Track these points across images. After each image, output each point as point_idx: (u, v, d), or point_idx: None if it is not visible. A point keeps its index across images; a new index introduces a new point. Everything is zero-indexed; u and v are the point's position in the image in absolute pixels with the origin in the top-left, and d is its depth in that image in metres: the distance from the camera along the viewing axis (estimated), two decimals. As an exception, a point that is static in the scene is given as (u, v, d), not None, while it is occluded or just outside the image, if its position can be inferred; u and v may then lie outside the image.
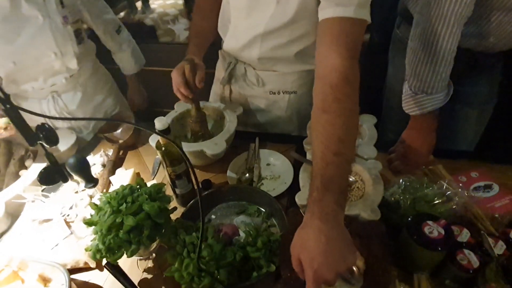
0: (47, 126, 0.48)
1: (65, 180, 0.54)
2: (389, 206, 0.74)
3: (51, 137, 0.48)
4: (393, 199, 0.73)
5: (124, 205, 0.65)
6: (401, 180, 0.77)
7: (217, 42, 1.14)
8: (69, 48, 1.11)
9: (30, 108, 1.18)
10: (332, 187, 0.58)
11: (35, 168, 1.02)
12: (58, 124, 1.24)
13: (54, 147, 1.05)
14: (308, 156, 0.88)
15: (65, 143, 1.13)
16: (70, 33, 1.11)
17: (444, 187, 0.71)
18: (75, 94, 1.24)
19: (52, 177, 0.53)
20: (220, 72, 1.22)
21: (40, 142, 0.47)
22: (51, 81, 1.16)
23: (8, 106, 0.41)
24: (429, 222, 0.65)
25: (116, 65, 1.44)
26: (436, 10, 0.76)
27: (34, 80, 1.14)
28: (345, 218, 0.69)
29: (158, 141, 0.81)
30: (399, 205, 0.72)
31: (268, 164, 1.01)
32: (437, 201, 0.69)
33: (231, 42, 1.05)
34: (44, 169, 0.52)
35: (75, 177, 0.74)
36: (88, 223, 0.67)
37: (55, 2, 1.05)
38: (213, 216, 0.88)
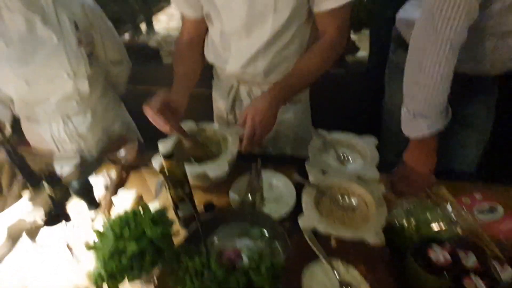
0: (50, 168, 0.50)
1: (68, 219, 0.55)
2: (392, 230, 0.73)
3: (54, 179, 0.49)
4: (396, 222, 0.73)
5: (127, 230, 0.65)
6: (404, 203, 0.77)
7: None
8: (81, 69, 1.14)
9: (41, 130, 1.20)
10: (287, 90, 0.95)
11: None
12: (67, 146, 1.26)
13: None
14: (311, 178, 0.88)
15: (68, 164, 1.13)
16: (83, 54, 1.14)
17: (449, 210, 0.70)
18: (85, 117, 1.25)
19: (56, 218, 0.54)
20: (219, 102, 1.24)
21: (44, 182, 0.48)
22: (62, 103, 1.18)
23: (11, 151, 0.43)
24: (435, 247, 0.64)
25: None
26: (431, 35, 0.78)
27: (46, 102, 1.16)
28: (349, 242, 0.69)
29: (162, 164, 0.81)
30: (403, 228, 0.72)
31: (270, 185, 1.01)
32: (441, 225, 0.68)
33: (234, 63, 1.07)
34: (49, 212, 0.53)
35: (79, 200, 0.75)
36: (90, 248, 0.66)
37: (69, 25, 1.09)
38: (215, 238, 0.87)
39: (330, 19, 0.95)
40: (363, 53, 2.40)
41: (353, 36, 2.46)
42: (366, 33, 2.48)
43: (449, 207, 0.71)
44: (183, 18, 1.11)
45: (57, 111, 1.19)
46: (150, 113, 0.90)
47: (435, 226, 0.69)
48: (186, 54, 1.10)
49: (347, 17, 0.97)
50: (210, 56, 1.14)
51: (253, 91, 1.12)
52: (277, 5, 0.91)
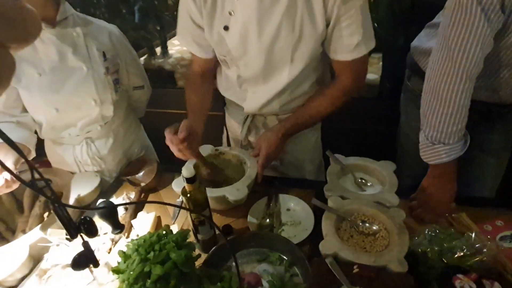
0: (88, 218, 0.52)
1: (96, 265, 0.57)
2: (415, 257, 0.73)
3: (92, 229, 0.52)
4: (419, 250, 0.72)
5: (152, 253, 0.66)
6: (426, 230, 0.76)
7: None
8: (108, 96, 1.19)
9: (64, 152, 1.24)
10: (295, 129, 1.04)
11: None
12: (89, 167, 1.29)
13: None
14: (330, 203, 0.89)
15: (89, 186, 1.16)
16: (110, 82, 1.19)
17: (473, 238, 0.70)
18: (107, 140, 1.29)
19: (84, 262, 0.56)
20: (233, 128, 1.26)
21: (81, 234, 0.51)
22: (86, 128, 1.22)
23: (57, 205, 0.45)
24: (460, 276, 0.63)
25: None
26: (448, 66, 0.80)
27: (73, 127, 1.20)
28: (372, 269, 0.69)
29: (184, 187, 0.83)
30: (426, 256, 0.71)
31: (288, 210, 1.02)
32: (465, 253, 0.67)
33: (250, 105, 1.09)
34: (78, 255, 0.55)
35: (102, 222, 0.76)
36: (115, 271, 0.67)
37: (98, 55, 1.15)
38: (233, 264, 0.87)
39: (345, 67, 0.96)
40: (374, 76, 2.44)
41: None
42: (376, 56, 2.53)
43: (472, 235, 0.71)
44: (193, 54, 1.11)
45: (81, 135, 1.24)
46: (175, 141, 0.90)
47: (459, 254, 0.68)
48: (199, 85, 1.12)
49: (364, 68, 0.98)
50: (226, 93, 1.17)
51: (267, 120, 1.14)
52: (294, 56, 0.93)
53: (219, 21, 0.93)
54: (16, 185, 1.01)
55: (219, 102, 1.29)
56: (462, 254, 0.67)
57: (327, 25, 0.88)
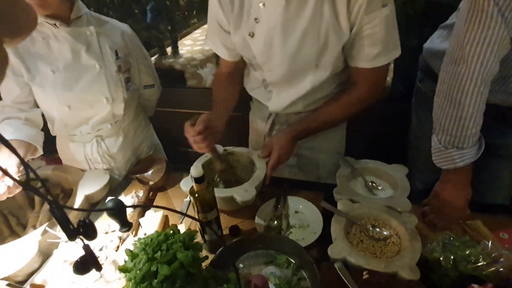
0: (87, 221, 0.51)
1: (99, 269, 0.56)
2: (428, 265, 0.71)
3: (90, 232, 0.51)
4: (432, 257, 0.70)
5: (159, 252, 0.66)
6: (440, 237, 0.74)
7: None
8: (119, 94, 1.20)
9: (75, 149, 1.25)
10: (306, 133, 1.04)
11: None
12: (98, 165, 1.30)
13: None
14: (339, 206, 0.87)
15: (98, 183, 1.17)
16: (122, 80, 1.20)
17: (489, 247, 0.67)
18: (117, 138, 1.30)
19: (86, 267, 0.55)
20: (257, 123, 1.26)
21: (80, 237, 0.50)
22: (98, 126, 1.24)
23: (54, 206, 0.44)
24: (475, 286, 0.61)
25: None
26: (462, 69, 0.77)
27: (85, 124, 1.21)
28: (383, 276, 0.67)
29: (192, 187, 0.83)
30: (439, 264, 0.69)
31: (296, 212, 1.00)
32: (481, 263, 0.65)
33: (274, 106, 1.10)
34: (80, 259, 0.54)
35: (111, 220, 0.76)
36: (122, 269, 0.67)
37: (110, 53, 1.16)
38: (241, 265, 0.86)
39: (361, 76, 0.94)
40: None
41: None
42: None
43: (489, 244, 0.68)
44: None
45: (92, 133, 1.25)
46: (192, 133, 0.93)
47: (474, 263, 0.65)
48: (226, 84, 1.14)
49: (383, 78, 0.96)
50: (252, 92, 1.18)
51: (291, 117, 1.14)
52: (318, 62, 0.92)
53: (245, 27, 0.94)
54: (18, 190, 1.01)
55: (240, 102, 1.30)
56: (477, 263, 0.65)
57: (350, 31, 0.87)
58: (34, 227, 1.09)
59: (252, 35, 0.92)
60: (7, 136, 1.08)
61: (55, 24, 1.07)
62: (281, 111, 1.10)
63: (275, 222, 0.97)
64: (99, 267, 0.55)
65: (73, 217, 1.04)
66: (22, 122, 1.13)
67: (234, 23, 0.94)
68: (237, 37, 0.97)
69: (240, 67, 1.15)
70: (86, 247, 0.53)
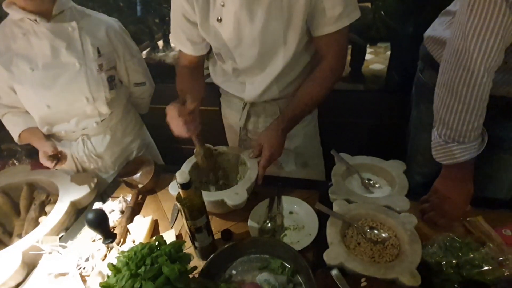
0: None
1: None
2: (429, 269, 0.67)
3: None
4: (433, 261, 0.66)
5: (143, 268, 0.62)
6: (441, 238, 0.70)
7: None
8: (101, 94, 1.15)
9: (62, 148, 1.21)
10: (294, 121, 1.00)
11: (54, 215, 1.01)
12: (85, 165, 1.26)
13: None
14: (335, 208, 0.83)
15: (84, 188, 1.12)
16: (104, 79, 1.15)
17: (492, 248, 0.63)
18: (104, 137, 1.26)
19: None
20: (231, 117, 1.25)
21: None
22: (82, 124, 1.19)
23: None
24: (479, 292, 0.58)
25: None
26: (464, 58, 0.72)
27: (67, 122, 1.18)
28: (381, 283, 0.63)
29: (179, 193, 0.78)
30: (441, 268, 0.65)
31: (291, 213, 0.97)
32: (486, 267, 0.61)
33: (249, 95, 1.10)
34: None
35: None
36: (105, 286, 0.63)
37: (92, 51, 1.10)
38: (233, 272, 0.83)
39: (328, 44, 0.96)
40: (380, 66, 2.34)
41: (368, 49, 2.42)
42: (382, 45, 2.44)
43: (493, 246, 0.64)
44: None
45: (77, 131, 1.20)
46: (184, 113, 0.90)
47: (479, 268, 0.62)
48: (190, 76, 1.12)
49: (346, 43, 0.99)
50: (223, 85, 1.18)
51: (268, 106, 1.13)
52: (286, 38, 0.94)
53: (213, 14, 0.94)
54: (65, 161, 1.11)
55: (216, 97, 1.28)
56: (482, 267, 0.61)
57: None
58: (20, 236, 1.05)
59: (220, 20, 0.93)
60: (21, 126, 1.17)
61: (35, 20, 1.01)
62: (257, 99, 1.10)
63: (269, 224, 0.93)
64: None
65: (60, 224, 1.00)
66: (25, 112, 1.16)
67: (201, 11, 0.95)
68: (206, 26, 0.98)
69: (201, 62, 1.15)
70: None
